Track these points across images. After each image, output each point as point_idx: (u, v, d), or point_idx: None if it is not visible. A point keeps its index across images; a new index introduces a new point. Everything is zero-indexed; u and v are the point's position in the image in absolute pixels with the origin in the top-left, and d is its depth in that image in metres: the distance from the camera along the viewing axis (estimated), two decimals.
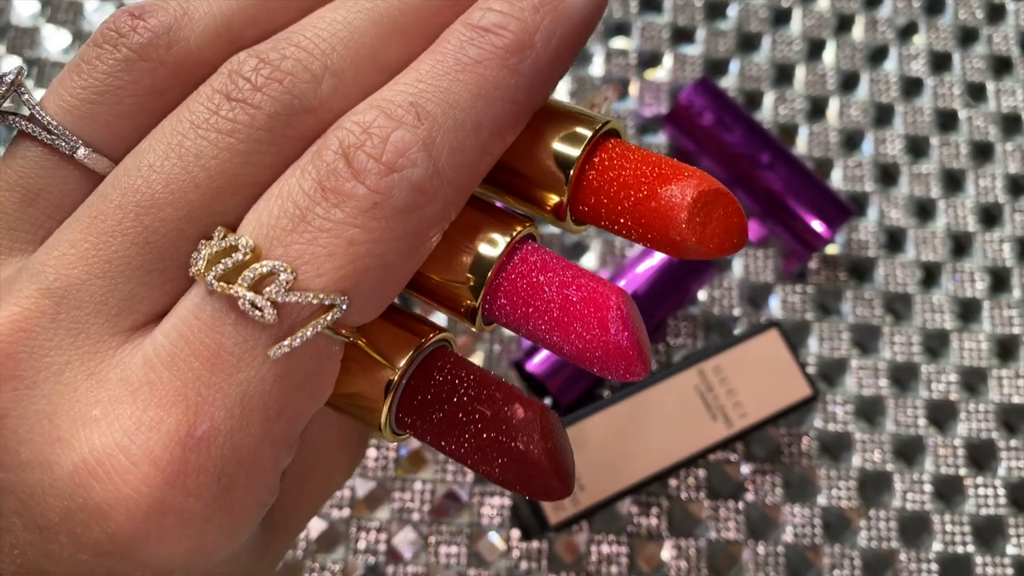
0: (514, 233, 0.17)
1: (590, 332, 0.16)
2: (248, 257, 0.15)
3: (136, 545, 0.15)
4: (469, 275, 0.17)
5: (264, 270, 0.15)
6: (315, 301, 0.15)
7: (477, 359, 0.39)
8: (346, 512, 0.37)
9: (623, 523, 0.37)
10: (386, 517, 0.37)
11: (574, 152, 0.17)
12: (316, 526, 0.37)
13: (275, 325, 0.15)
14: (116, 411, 0.15)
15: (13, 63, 0.42)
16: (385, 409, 0.17)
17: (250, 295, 0.15)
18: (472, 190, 0.17)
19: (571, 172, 0.17)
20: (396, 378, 0.17)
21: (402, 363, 0.17)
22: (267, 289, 0.15)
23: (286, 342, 0.15)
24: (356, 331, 0.17)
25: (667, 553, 0.37)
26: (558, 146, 0.17)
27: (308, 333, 0.15)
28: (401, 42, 0.17)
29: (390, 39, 0.17)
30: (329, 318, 0.15)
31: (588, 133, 0.17)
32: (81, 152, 0.16)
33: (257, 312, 0.15)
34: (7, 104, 0.17)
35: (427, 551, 0.37)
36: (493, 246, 0.17)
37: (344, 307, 0.15)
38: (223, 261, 0.15)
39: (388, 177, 0.15)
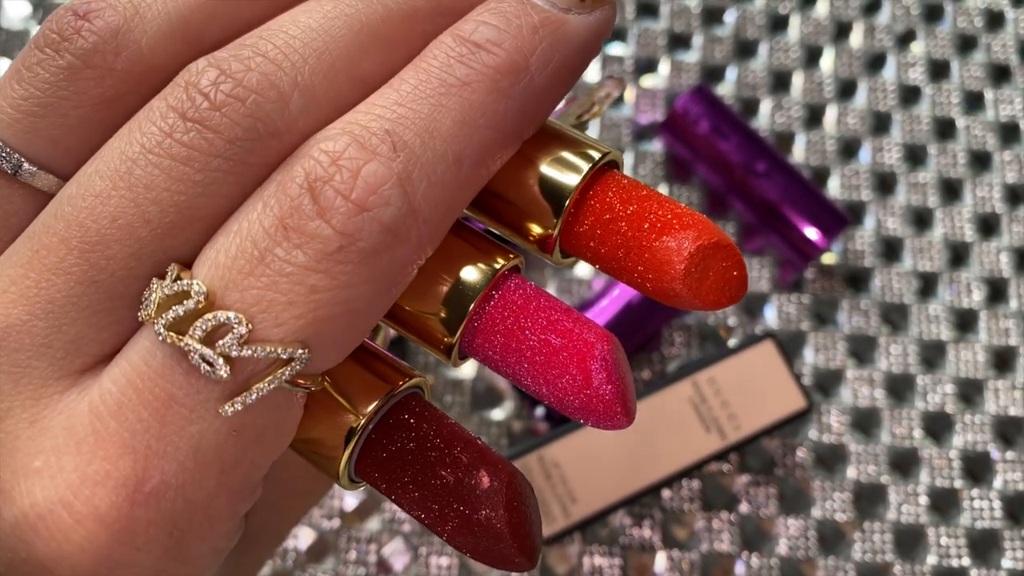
0: (497, 266, 0.16)
1: (571, 382, 0.15)
2: (201, 305, 0.14)
3: None
4: (446, 308, 0.16)
5: (216, 321, 0.14)
6: (272, 355, 0.14)
7: (469, 368, 0.39)
8: (336, 523, 0.37)
9: (616, 534, 0.37)
10: (376, 528, 0.37)
11: (570, 183, 0.16)
12: (306, 536, 0.36)
13: (229, 380, 0.14)
14: (59, 463, 0.14)
15: (3, 67, 0.41)
16: (344, 458, 0.16)
17: (201, 349, 0.14)
18: (450, 225, 0.16)
19: (564, 205, 0.16)
20: (360, 425, 0.16)
21: (367, 410, 0.16)
22: (220, 342, 0.14)
23: (239, 399, 0.14)
24: (319, 378, 0.15)
25: (660, 565, 0.37)
26: (552, 176, 0.16)
27: (264, 389, 0.14)
28: (382, 53, 0.15)
29: (370, 50, 0.15)
30: (287, 372, 0.14)
31: (585, 165, 0.16)
32: (25, 169, 0.15)
33: (207, 367, 0.14)
34: None
35: (417, 562, 0.36)
36: (474, 280, 0.16)
37: (304, 359, 0.14)
38: (174, 308, 0.14)
39: (357, 217, 0.14)
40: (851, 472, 0.39)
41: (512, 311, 0.16)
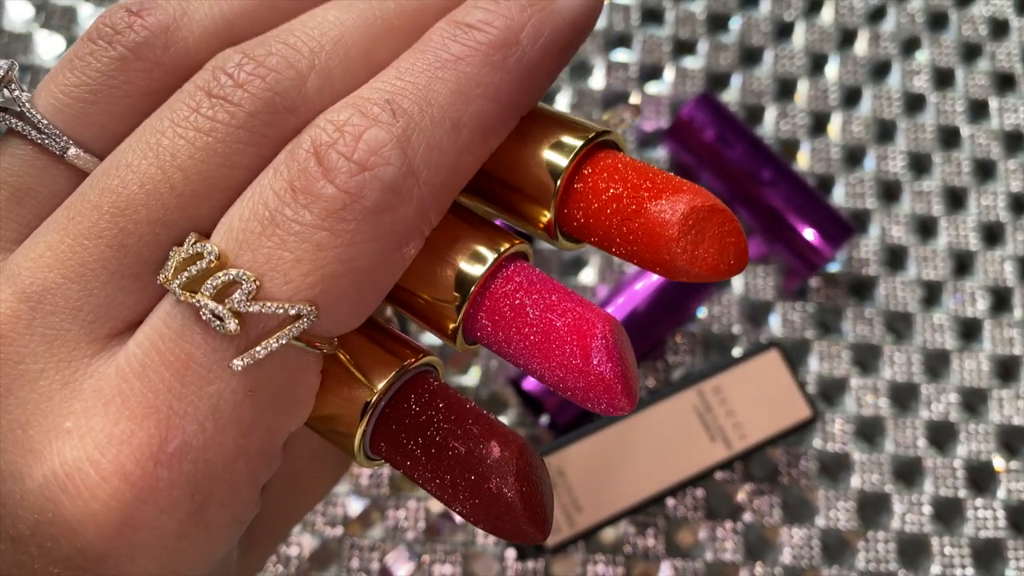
0: (502, 249, 0.16)
1: (571, 361, 0.15)
2: (213, 265, 0.14)
3: (107, 561, 0.15)
4: (452, 292, 0.16)
5: (227, 278, 0.14)
6: (280, 311, 0.14)
7: (473, 375, 0.39)
8: (339, 530, 0.36)
9: (620, 543, 0.37)
10: (379, 535, 0.36)
11: (562, 162, 0.17)
12: (308, 544, 0.36)
13: (240, 336, 0.15)
14: (88, 423, 0.15)
15: None
16: (359, 432, 0.16)
17: (211, 304, 0.14)
18: (454, 194, 0.16)
19: (559, 183, 0.16)
20: (373, 400, 0.16)
21: (381, 384, 0.16)
22: (229, 298, 0.14)
23: (249, 353, 0.15)
24: (334, 343, 0.16)
25: (664, 574, 0.37)
26: (547, 155, 0.17)
27: (273, 344, 0.15)
28: (392, 43, 0.17)
29: (382, 40, 0.16)
30: (296, 329, 0.15)
31: (578, 143, 0.17)
32: (71, 152, 0.16)
33: (218, 322, 0.14)
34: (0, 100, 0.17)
35: (421, 570, 0.36)
36: (477, 263, 0.16)
37: (312, 317, 0.15)
38: (188, 269, 0.15)
39: (359, 176, 0.15)
40: (855, 481, 0.39)
41: (514, 293, 0.16)
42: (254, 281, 0.14)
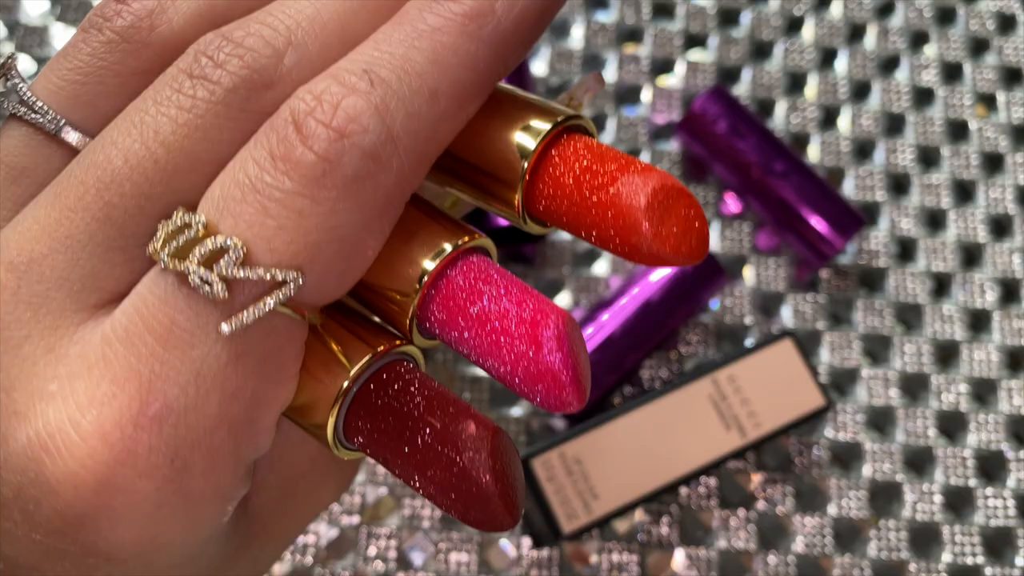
0: (460, 243, 0.16)
1: (520, 348, 0.15)
2: (201, 233, 0.15)
3: (86, 524, 0.15)
4: (413, 285, 0.16)
5: (215, 245, 0.15)
6: (267, 276, 0.15)
7: None
8: (356, 519, 0.37)
9: (634, 532, 0.37)
10: (396, 524, 0.37)
11: (531, 144, 0.17)
12: (326, 533, 0.36)
13: (226, 301, 0.15)
14: (72, 386, 0.15)
15: (21, 62, 0.41)
16: (332, 416, 0.16)
17: (199, 270, 0.14)
18: (431, 162, 0.16)
19: (527, 165, 0.17)
20: (345, 385, 0.16)
21: (353, 370, 0.16)
22: (217, 264, 0.15)
23: (237, 317, 0.15)
24: (319, 313, 0.16)
25: (678, 562, 0.37)
26: (517, 138, 0.17)
27: (260, 309, 0.15)
28: (368, 19, 0.17)
29: (357, 15, 0.17)
30: (283, 294, 0.15)
31: (547, 126, 0.17)
32: (65, 131, 0.17)
33: (206, 287, 0.15)
34: (0, 88, 0.17)
35: (437, 558, 0.36)
36: (435, 254, 0.16)
37: (298, 283, 0.15)
38: (177, 238, 0.15)
39: (338, 143, 0.15)
40: (866, 470, 0.39)
41: (469, 282, 0.16)
42: (241, 247, 0.15)
